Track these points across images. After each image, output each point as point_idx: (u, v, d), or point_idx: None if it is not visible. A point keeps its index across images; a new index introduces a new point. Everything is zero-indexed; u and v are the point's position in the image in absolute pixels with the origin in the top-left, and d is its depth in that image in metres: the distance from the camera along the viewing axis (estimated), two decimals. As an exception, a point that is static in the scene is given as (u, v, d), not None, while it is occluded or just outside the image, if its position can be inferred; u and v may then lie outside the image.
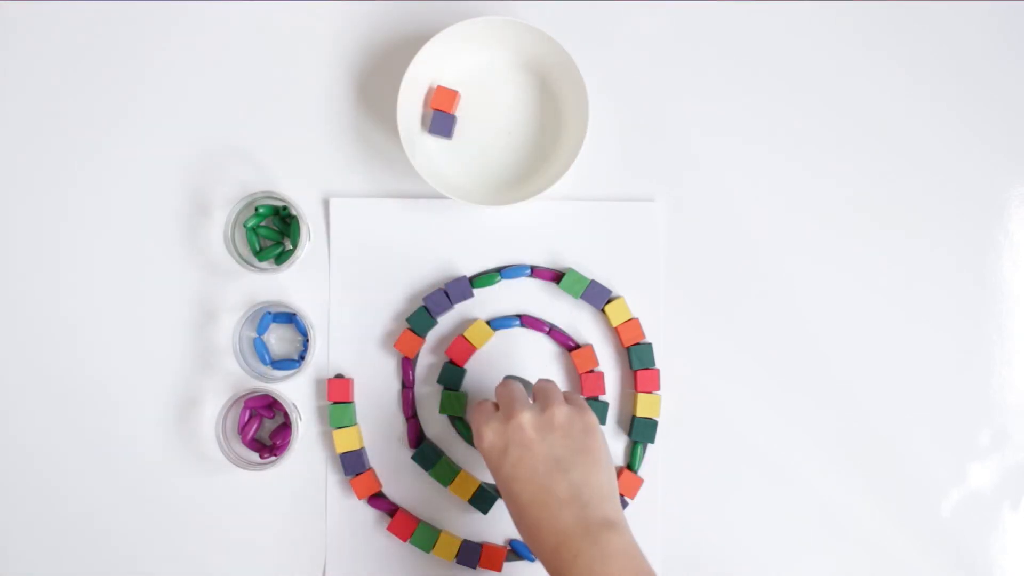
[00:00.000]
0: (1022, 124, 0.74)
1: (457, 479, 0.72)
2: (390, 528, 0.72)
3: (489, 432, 0.60)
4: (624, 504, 0.73)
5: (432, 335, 0.74)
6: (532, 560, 0.73)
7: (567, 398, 0.63)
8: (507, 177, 0.73)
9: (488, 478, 0.73)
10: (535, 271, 0.73)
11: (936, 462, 0.73)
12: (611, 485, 0.60)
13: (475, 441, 0.62)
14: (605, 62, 0.73)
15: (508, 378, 0.64)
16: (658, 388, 0.73)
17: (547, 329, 0.73)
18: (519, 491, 0.59)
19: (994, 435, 0.74)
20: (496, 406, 0.63)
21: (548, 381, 0.65)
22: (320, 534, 0.74)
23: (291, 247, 0.74)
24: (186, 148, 0.74)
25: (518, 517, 0.59)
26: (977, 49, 0.74)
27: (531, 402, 0.62)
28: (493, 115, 0.73)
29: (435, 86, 0.72)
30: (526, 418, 0.60)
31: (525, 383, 0.72)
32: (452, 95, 0.72)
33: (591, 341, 0.73)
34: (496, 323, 0.73)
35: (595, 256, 0.73)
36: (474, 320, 0.73)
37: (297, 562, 0.74)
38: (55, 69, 0.75)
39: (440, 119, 0.72)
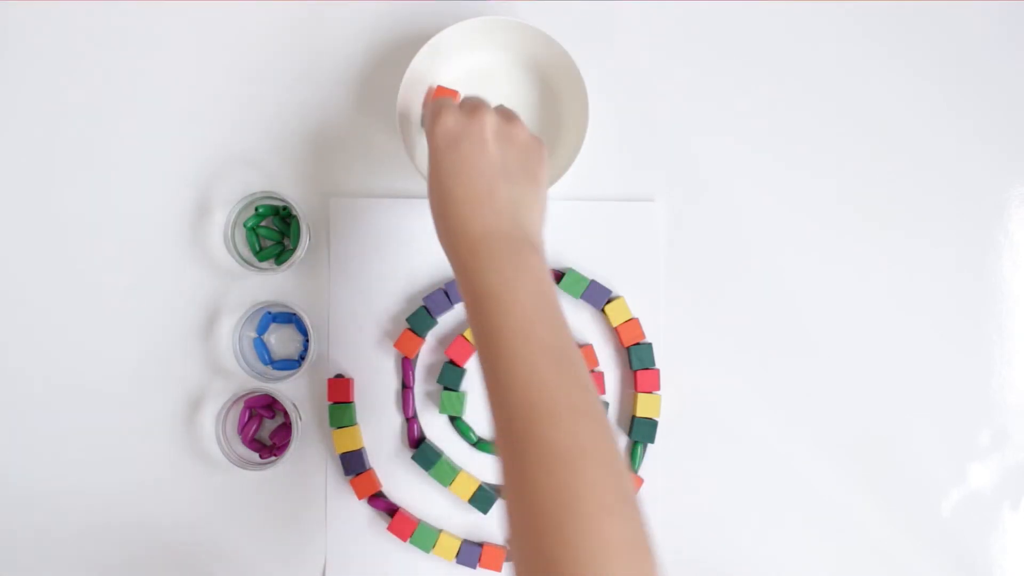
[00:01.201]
0: (1022, 124, 0.74)
1: (457, 479, 0.72)
2: (390, 528, 0.72)
3: (449, 118, 0.58)
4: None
5: (432, 335, 0.74)
6: (532, 560, 0.73)
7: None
8: (507, 177, 0.73)
9: (488, 478, 0.73)
10: (535, 271, 0.73)
11: (936, 462, 0.73)
12: (543, 219, 0.58)
13: (427, 123, 0.60)
14: (605, 62, 0.73)
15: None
16: (658, 388, 0.73)
17: (547, 329, 0.73)
18: (455, 185, 0.56)
19: (994, 435, 0.74)
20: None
21: (509, 108, 0.63)
22: (320, 534, 0.74)
23: (291, 247, 0.74)
24: (186, 148, 0.74)
25: (443, 212, 0.57)
26: (978, 49, 0.74)
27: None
28: (493, 115, 0.73)
29: (435, 86, 0.72)
30: (490, 120, 0.58)
31: None
32: (452, 95, 0.72)
33: (591, 341, 0.73)
34: (496, 323, 0.73)
35: (595, 256, 0.73)
36: (474, 320, 0.73)
37: (297, 562, 0.74)
38: (55, 69, 0.75)
39: None
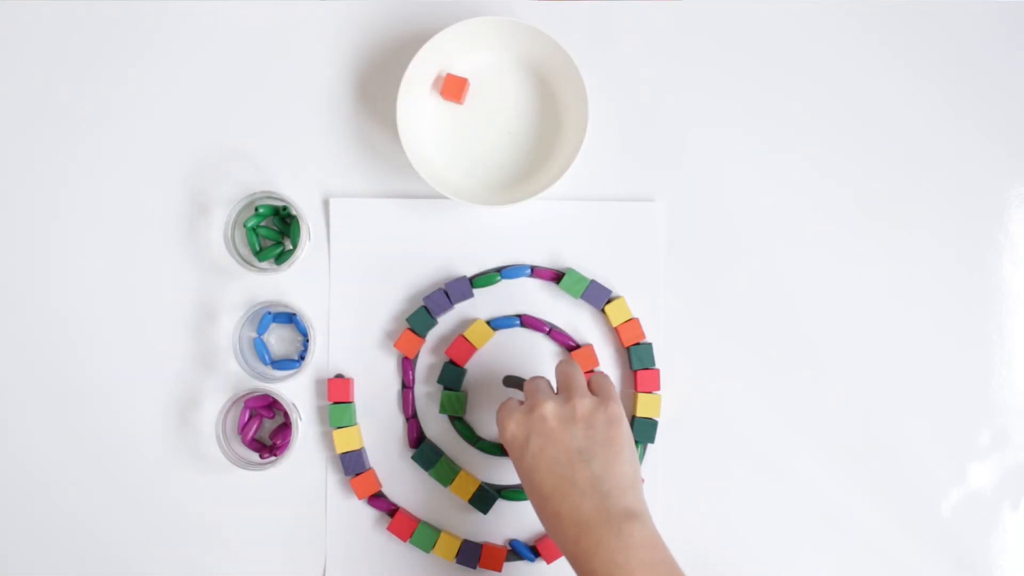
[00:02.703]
0: (1022, 124, 0.74)
1: (457, 479, 0.72)
2: (390, 528, 0.72)
3: (512, 423, 0.61)
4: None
5: (432, 335, 0.74)
6: (532, 560, 0.73)
7: (592, 384, 0.64)
8: (507, 177, 0.73)
9: (488, 478, 0.73)
10: (535, 271, 0.73)
11: (936, 462, 0.73)
12: (634, 475, 0.60)
13: (500, 434, 0.63)
14: (605, 62, 0.73)
15: (535, 378, 0.65)
16: (658, 388, 0.73)
17: (547, 329, 0.73)
18: (540, 481, 0.59)
19: (994, 435, 0.74)
20: (521, 403, 0.63)
21: (571, 364, 0.65)
22: (320, 534, 0.74)
23: (291, 247, 0.74)
24: (186, 148, 0.74)
25: (540, 507, 0.59)
26: (978, 48, 0.74)
27: (555, 392, 0.63)
28: (493, 115, 0.73)
29: (444, 74, 0.72)
30: (549, 408, 0.60)
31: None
32: (461, 83, 0.72)
33: (591, 341, 0.73)
34: (496, 323, 0.73)
35: (595, 256, 0.73)
36: (474, 320, 0.73)
37: (297, 562, 0.74)
38: (55, 68, 0.75)
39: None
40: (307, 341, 0.73)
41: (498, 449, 0.73)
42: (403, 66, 0.69)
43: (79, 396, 0.74)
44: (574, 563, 0.57)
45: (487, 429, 0.74)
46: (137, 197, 0.74)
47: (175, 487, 0.74)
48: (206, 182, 0.74)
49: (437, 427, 0.74)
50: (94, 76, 0.75)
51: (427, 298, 0.72)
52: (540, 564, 0.73)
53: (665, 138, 0.74)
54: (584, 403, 0.61)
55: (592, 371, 0.63)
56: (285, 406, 0.72)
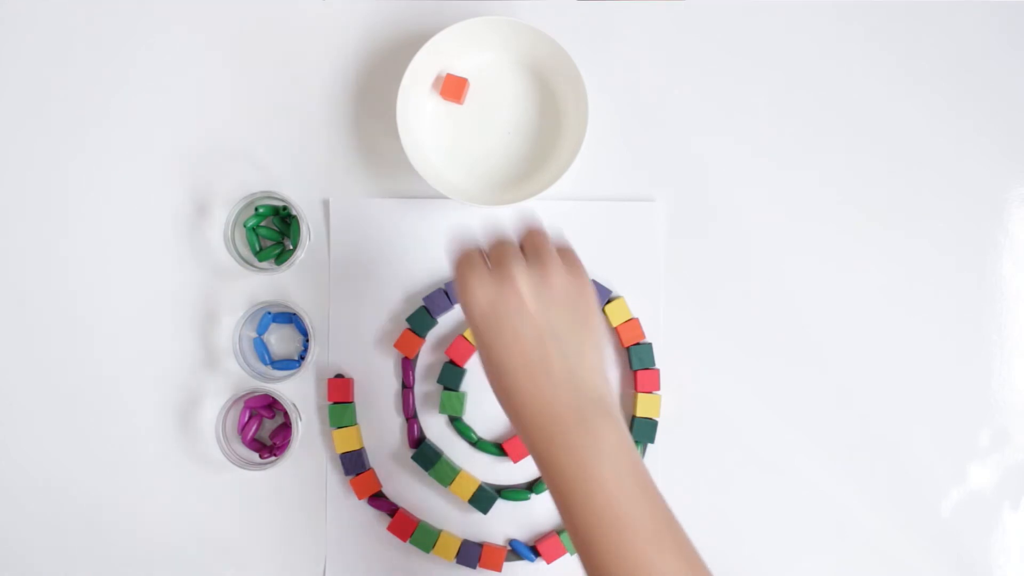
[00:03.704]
0: (1022, 124, 0.74)
1: (457, 479, 0.72)
2: (390, 528, 0.72)
3: (479, 291, 0.53)
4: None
5: (432, 335, 0.74)
6: (532, 560, 0.73)
7: (561, 255, 0.56)
8: (507, 177, 0.73)
9: (488, 478, 0.73)
10: (535, 271, 0.73)
11: (936, 462, 0.73)
12: (603, 362, 0.55)
13: (459, 296, 0.54)
14: (605, 62, 0.73)
15: (502, 240, 0.56)
16: (658, 388, 0.73)
17: (547, 329, 0.73)
18: (506, 357, 0.53)
19: (994, 435, 0.74)
20: (483, 257, 0.56)
21: (538, 232, 0.57)
22: (320, 534, 0.74)
23: (291, 247, 0.74)
24: (186, 148, 0.74)
25: (504, 391, 0.54)
26: (977, 49, 0.74)
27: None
28: (493, 115, 0.73)
29: (444, 75, 0.72)
30: (523, 282, 0.53)
31: None
32: (461, 83, 0.72)
33: (591, 341, 0.73)
34: (496, 323, 0.73)
35: (595, 256, 0.73)
36: (474, 320, 0.73)
37: (297, 562, 0.74)
38: (54, 67, 0.75)
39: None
40: (307, 341, 0.73)
41: (498, 449, 0.73)
42: (403, 66, 0.69)
43: (79, 396, 0.74)
44: (534, 452, 0.52)
45: (487, 429, 0.74)
46: (137, 197, 0.74)
47: (175, 487, 0.74)
48: (206, 182, 0.74)
49: (437, 427, 0.74)
50: (93, 76, 0.75)
51: (427, 298, 0.72)
52: (540, 564, 0.73)
53: (665, 138, 0.74)
54: (559, 276, 0.54)
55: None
56: (285, 406, 0.72)
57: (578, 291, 0.55)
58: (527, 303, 0.53)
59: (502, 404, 0.54)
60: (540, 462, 0.53)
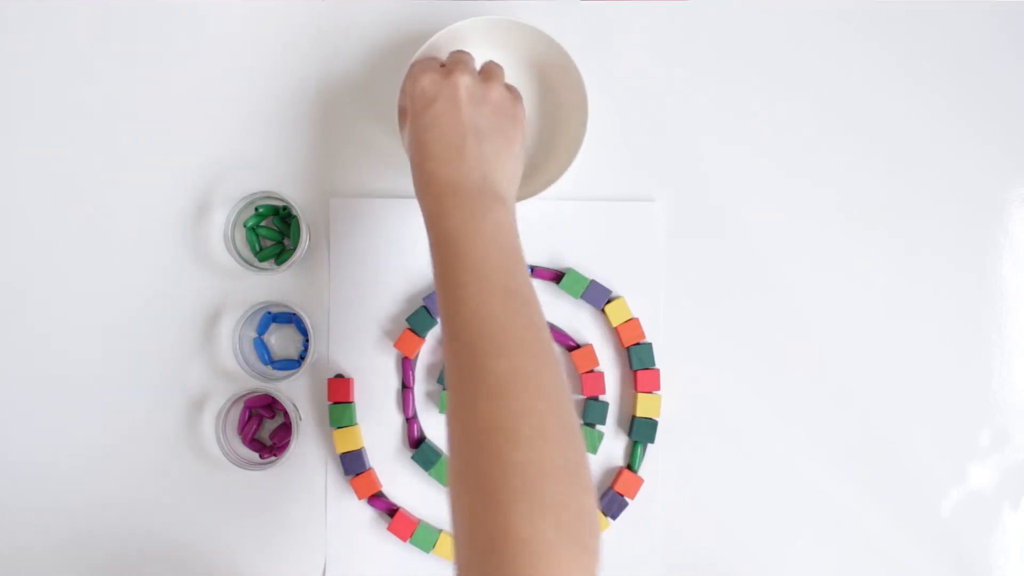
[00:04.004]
0: (1022, 124, 0.74)
1: (457, 479, 0.72)
2: (390, 528, 0.72)
3: (426, 79, 0.61)
4: (624, 504, 0.72)
5: (432, 335, 0.74)
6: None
7: (508, 90, 0.64)
8: (507, 177, 0.73)
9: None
10: (535, 271, 0.73)
11: (936, 462, 0.73)
12: (516, 176, 0.61)
13: (407, 83, 0.63)
14: (605, 62, 0.73)
15: (461, 51, 0.66)
16: (658, 388, 0.73)
17: (547, 329, 0.73)
18: (431, 140, 0.59)
19: (994, 435, 0.74)
20: (439, 64, 0.64)
21: (495, 64, 0.65)
22: (320, 534, 0.74)
23: (291, 247, 0.74)
24: (186, 148, 0.74)
25: (418, 164, 0.60)
26: (977, 49, 0.74)
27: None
28: (493, 115, 0.73)
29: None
30: (465, 80, 0.60)
31: None
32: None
33: (591, 341, 0.73)
34: (496, 323, 0.73)
35: (595, 256, 0.73)
36: (474, 320, 0.73)
37: (297, 562, 0.74)
38: (55, 68, 0.75)
39: None
40: (307, 341, 0.73)
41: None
42: (403, 66, 0.69)
43: (79, 395, 0.74)
44: (428, 221, 0.58)
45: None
46: (137, 197, 0.74)
47: (175, 487, 0.74)
48: (206, 182, 0.74)
49: (437, 427, 0.74)
50: (93, 77, 0.74)
51: (427, 298, 0.72)
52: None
53: (665, 138, 0.74)
54: (499, 91, 0.62)
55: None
56: (285, 406, 0.72)
57: (512, 107, 0.62)
58: (462, 98, 0.60)
59: (414, 182, 0.60)
60: (431, 229, 0.57)
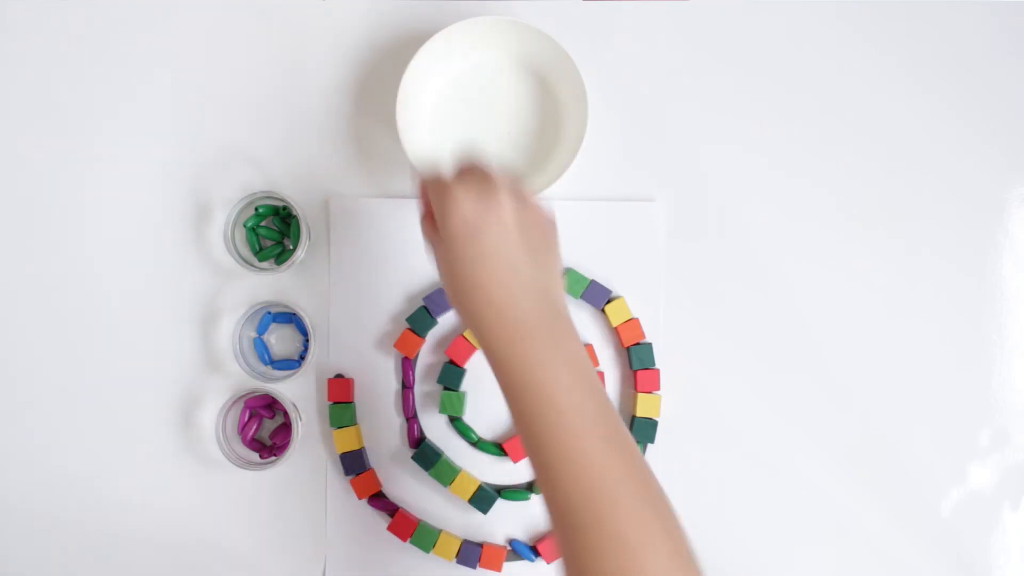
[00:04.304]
0: (1022, 124, 0.74)
1: (457, 479, 0.72)
2: (390, 528, 0.72)
3: (465, 205, 0.53)
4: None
5: (432, 335, 0.74)
6: (532, 560, 0.73)
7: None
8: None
9: (488, 478, 0.73)
10: (535, 271, 0.73)
11: (936, 462, 0.73)
12: (563, 288, 0.58)
13: (438, 205, 0.55)
14: (605, 62, 0.73)
15: (477, 161, 0.57)
16: (658, 388, 0.73)
17: (547, 329, 0.73)
18: (479, 273, 0.54)
19: (994, 435, 0.74)
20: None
21: (514, 176, 0.59)
22: (320, 534, 0.74)
23: (291, 247, 0.74)
24: (186, 148, 0.74)
25: (468, 297, 0.54)
26: (977, 49, 0.74)
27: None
28: (493, 115, 0.73)
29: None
30: (508, 206, 0.54)
31: None
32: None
33: (591, 341, 0.73)
34: (496, 323, 0.73)
35: (595, 256, 0.73)
36: (474, 320, 0.73)
37: (297, 562, 0.74)
38: (54, 67, 0.75)
39: None
40: (307, 341, 0.73)
41: (498, 449, 0.73)
42: (403, 66, 0.69)
43: (79, 395, 0.74)
44: (498, 364, 0.54)
45: (487, 429, 0.74)
46: (137, 197, 0.74)
47: (175, 487, 0.74)
48: (206, 182, 0.74)
49: (437, 427, 0.74)
50: (93, 76, 0.75)
51: (427, 298, 0.72)
52: (540, 564, 0.73)
53: (665, 138, 0.74)
54: (537, 209, 0.56)
55: None
56: (285, 406, 0.72)
57: (550, 222, 0.58)
58: (510, 229, 0.54)
59: (464, 316, 0.55)
60: (497, 363, 0.54)
